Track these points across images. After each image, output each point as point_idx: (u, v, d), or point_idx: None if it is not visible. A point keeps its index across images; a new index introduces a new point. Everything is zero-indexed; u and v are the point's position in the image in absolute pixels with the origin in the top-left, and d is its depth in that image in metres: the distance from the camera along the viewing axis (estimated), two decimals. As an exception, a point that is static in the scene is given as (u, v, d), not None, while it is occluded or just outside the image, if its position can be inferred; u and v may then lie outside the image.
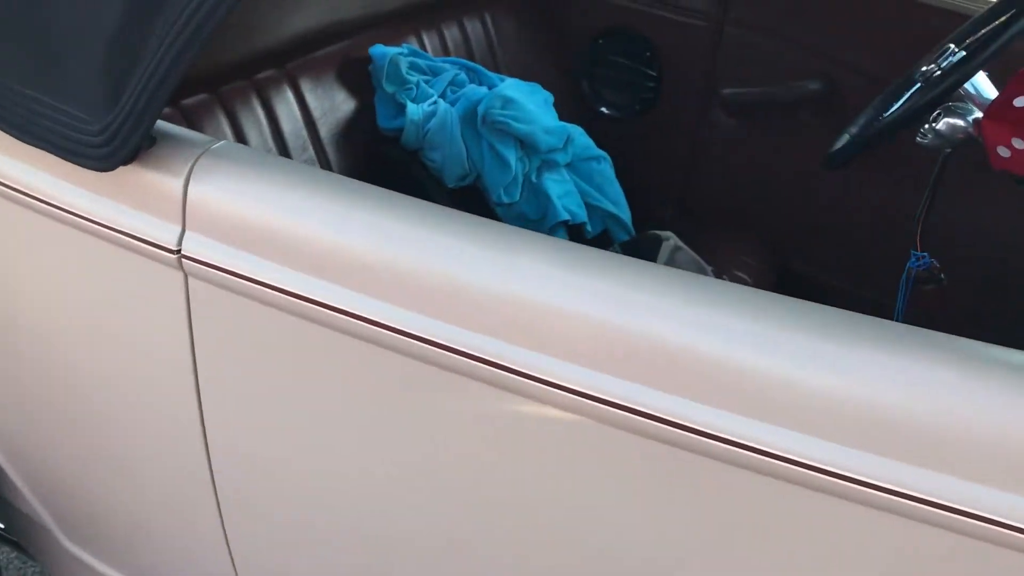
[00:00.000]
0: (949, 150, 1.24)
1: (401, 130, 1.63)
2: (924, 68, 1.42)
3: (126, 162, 0.92)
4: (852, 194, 1.92)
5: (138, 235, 0.95)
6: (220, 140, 0.96)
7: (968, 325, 1.49)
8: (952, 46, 1.42)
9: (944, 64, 1.40)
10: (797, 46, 1.90)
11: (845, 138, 1.42)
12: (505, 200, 1.67)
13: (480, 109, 1.65)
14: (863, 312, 0.75)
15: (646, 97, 2.11)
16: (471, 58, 1.94)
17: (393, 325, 0.84)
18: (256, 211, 0.90)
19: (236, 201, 0.91)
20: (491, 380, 0.81)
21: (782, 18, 1.91)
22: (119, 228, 0.96)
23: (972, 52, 1.26)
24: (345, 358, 0.90)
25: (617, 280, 0.78)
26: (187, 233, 0.93)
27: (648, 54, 2.07)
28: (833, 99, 1.89)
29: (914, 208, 1.84)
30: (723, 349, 0.73)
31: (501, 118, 1.64)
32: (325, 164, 1.57)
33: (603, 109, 2.16)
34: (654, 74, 2.08)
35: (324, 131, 1.59)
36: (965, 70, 1.26)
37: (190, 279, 0.95)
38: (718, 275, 1.72)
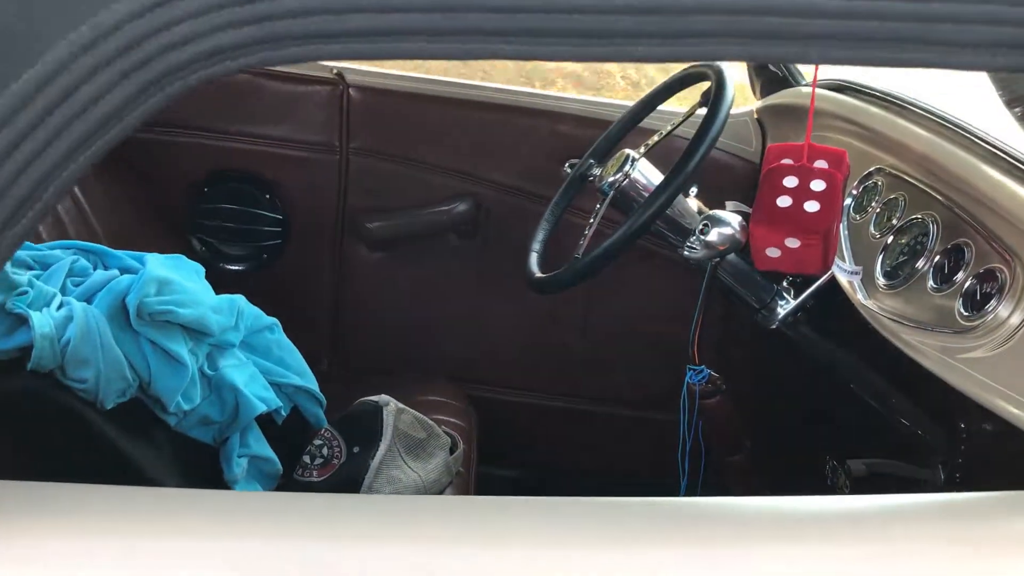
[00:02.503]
0: (717, 259, 1.23)
1: (24, 350, 1.19)
2: (610, 179, 1.42)
3: None
4: (520, 311, 1.87)
5: None
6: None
7: (752, 432, 1.52)
8: (630, 152, 1.44)
9: (628, 169, 1.41)
10: (436, 169, 1.81)
11: (572, 263, 1.35)
12: (185, 407, 1.31)
13: (130, 301, 1.27)
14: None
15: (272, 244, 1.85)
16: (64, 235, 1.52)
17: None
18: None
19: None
20: None
21: (412, 143, 1.81)
22: None
23: (683, 160, 1.27)
24: None
25: None
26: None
27: (268, 196, 1.82)
28: (481, 217, 1.84)
29: (571, 309, 1.87)
30: None
31: (162, 307, 1.29)
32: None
33: (224, 265, 1.86)
34: (279, 217, 1.84)
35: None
36: (682, 177, 1.26)
37: None
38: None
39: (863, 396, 1.47)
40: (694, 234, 1.21)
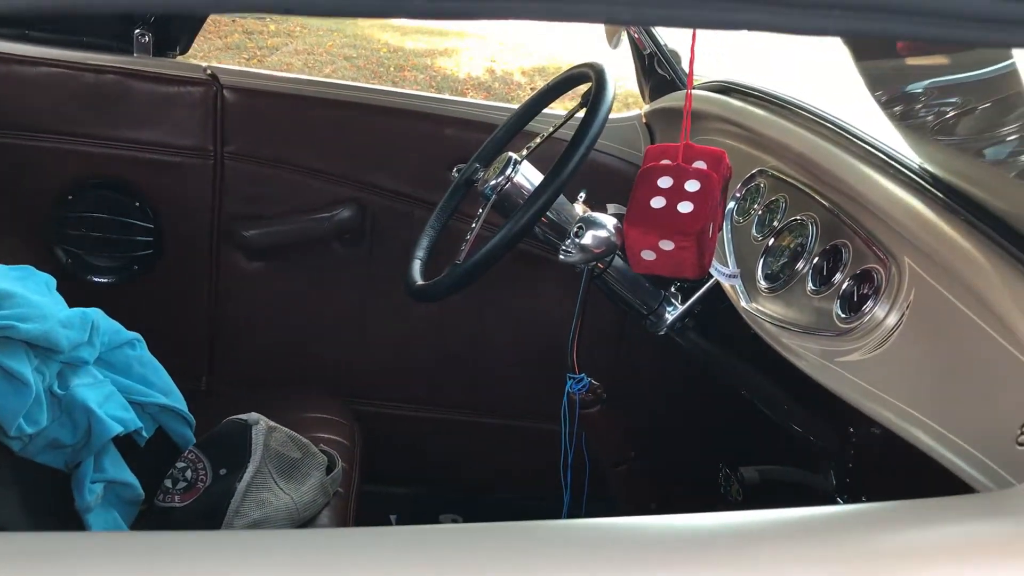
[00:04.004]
0: (594, 263, 1.18)
1: None
2: (492, 182, 1.37)
3: None
4: (409, 321, 1.80)
5: None
6: None
7: (639, 442, 1.47)
8: (512, 155, 1.39)
9: (510, 172, 1.36)
10: (317, 174, 1.73)
11: (451, 269, 1.29)
12: (28, 430, 1.20)
13: (-37, 316, 1.17)
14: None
15: (144, 255, 1.75)
16: (-100, 246, 1.40)
17: None
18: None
19: None
20: None
21: (291, 146, 1.73)
22: None
23: (561, 162, 1.22)
24: None
25: None
26: None
27: (137, 203, 1.72)
28: (366, 224, 1.76)
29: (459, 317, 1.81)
30: None
31: (2, 322, 1.18)
32: None
33: (92, 277, 1.74)
34: (150, 225, 1.73)
35: None
36: (560, 179, 1.21)
37: None
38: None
39: (754, 402, 1.44)
40: (569, 237, 1.17)
